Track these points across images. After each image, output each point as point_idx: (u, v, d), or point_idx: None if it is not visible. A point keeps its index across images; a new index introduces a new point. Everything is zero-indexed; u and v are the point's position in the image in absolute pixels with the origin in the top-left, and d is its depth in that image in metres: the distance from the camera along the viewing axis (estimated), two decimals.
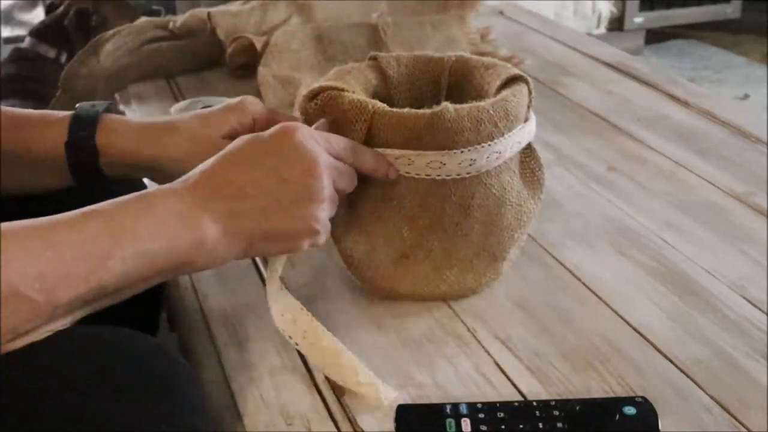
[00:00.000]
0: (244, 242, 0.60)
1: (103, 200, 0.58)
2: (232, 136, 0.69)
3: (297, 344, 0.65)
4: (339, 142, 0.65)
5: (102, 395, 0.49)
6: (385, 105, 0.68)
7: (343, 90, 0.69)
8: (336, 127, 0.68)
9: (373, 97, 0.74)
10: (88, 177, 0.72)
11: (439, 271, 0.71)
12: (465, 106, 0.66)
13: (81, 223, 0.54)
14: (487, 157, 0.68)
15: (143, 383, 0.51)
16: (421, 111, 0.66)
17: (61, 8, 2.01)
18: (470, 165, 0.67)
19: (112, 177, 0.72)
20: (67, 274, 0.51)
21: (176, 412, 0.51)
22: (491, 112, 0.67)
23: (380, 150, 0.68)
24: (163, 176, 0.70)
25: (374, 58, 0.77)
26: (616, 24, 3.13)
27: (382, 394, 0.62)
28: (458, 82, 0.76)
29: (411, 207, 0.69)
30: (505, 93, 0.69)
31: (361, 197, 0.70)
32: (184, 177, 0.60)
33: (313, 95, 0.69)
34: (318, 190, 0.61)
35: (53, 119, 0.72)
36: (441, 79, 0.77)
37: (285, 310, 0.66)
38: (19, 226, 0.52)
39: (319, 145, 0.63)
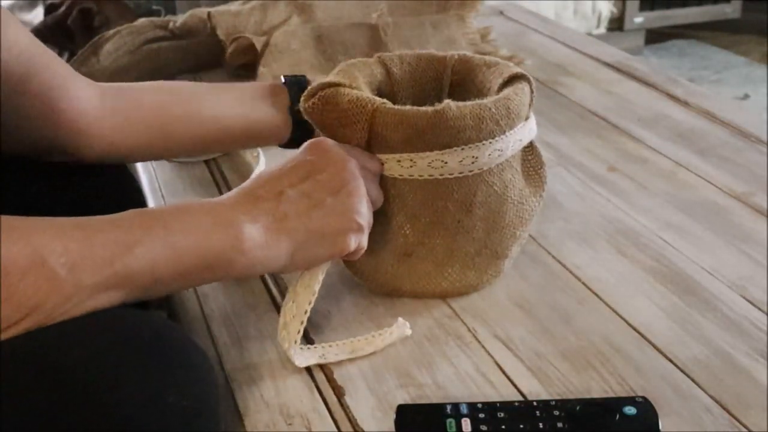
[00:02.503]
0: (289, 244, 0.61)
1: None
2: None
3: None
4: (365, 157, 0.67)
5: (120, 368, 0.49)
6: (387, 101, 0.67)
7: (341, 86, 0.69)
8: (337, 126, 0.68)
9: (377, 93, 0.74)
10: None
11: (440, 268, 0.72)
12: (467, 103, 0.67)
13: (115, 216, 0.55)
14: (489, 155, 0.68)
15: (160, 358, 0.51)
16: (423, 108, 0.66)
17: (63, 8, 2.01)
18: (472, 163, 0.67)
19: None
20: (93, 254, 0.51)
21: (191, 384, 0.52)
22: (493, 109, 0.67)
23: (382, 152, 0.68)
24: None
25: (379, 57, 0.77)
26: (616, 24, 3.13)
27: (406, 329, 0.68)
28: (461, 80, 0.76)
29: (413, 205, 0.69)
30: (507, 91, 0.70)
31: None
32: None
33: (311, 94, 0.69)
34: (354, 184, 0.63)
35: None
36: (443, 78, 0.77)
37: (315, 360, 0.66)
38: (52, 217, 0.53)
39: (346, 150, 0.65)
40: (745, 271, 0.77)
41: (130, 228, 0.54)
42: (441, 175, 0.67)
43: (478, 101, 0.67)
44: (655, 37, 3.22)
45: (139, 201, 0.83)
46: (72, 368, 0.48)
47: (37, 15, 2.71)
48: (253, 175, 0.65)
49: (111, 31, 1.32)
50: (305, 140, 0.72)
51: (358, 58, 0.76)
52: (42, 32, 2.00)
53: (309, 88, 0.70)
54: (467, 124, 0.66)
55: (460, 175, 0.68)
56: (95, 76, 1.26)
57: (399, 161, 0.67)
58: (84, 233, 0.52)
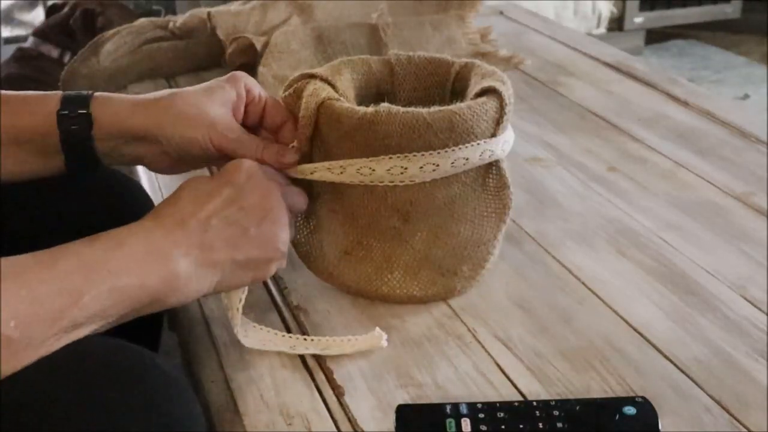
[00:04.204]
0: (217, 275, 0.61)
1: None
2: (230, 107, 0.69)
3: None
4: (271, 170, 0.67)
5: (86, 410, 0.48)
6: (339, 99, 0.68)
7: (315, 78, 0.70)
8: (296, 120, 0.69)
9: (375, 91, 0.75)
10: (80, 153, 0.68)
11: (379, 272, 0.71)
12: (404, 110, 0.66)
13: (54, 260, 0.53)
14: (421, 168, 0.66)
15: (131, 397, 0.50)
16: (359, 108, 0.67)
17: (66, 9, 2.01)
18: (401, 173, 0.67)
19: (103, 153, 0.69)
20: (42, 312, 0.50)
21: (165, 427, 0.50)
22: (428, 120, 0.65)
23: (321, 150, 0.69)
24: (155, 150, 0.68)
25: (387, 55, 0.78)
26: (616, 24, 3.13)
27: (381, 339, 0.67)
28: (462, 87, 0.75)
29: (351, 204, 0.70)
30: (461, 104, 0.68)
31: (309, 192, 0.71)
32: (147, 215, 0.60)
33: (289, 85, 0.71)
34: (279, 213, 0.63)
35: (44, 95, 0.69)
36: (446, 83, 0.77)
37: (263, 343, 0.68)
38: None
39: (266, 172, 0.65)
40: (745, 271, 0.77)
41: (73, 276, 0.53)
42: (371, 182, 0.68)
43: (413, 109, 0.66)
44: (655, 37, 3.22)
45: (145, 203, 0.82)
46: (32, 411, 0.47)
47: (38, 15, 2.72)
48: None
49: (111, 31, 1.32)
50: (76, 162, 0.67)
51: (359, 56, 0.76)
52: (45, 32, 2.01)
53: (291, 78, 0.70)
54: (394, 130, 0.65)
55: (391, 184, 0.68)
56: (96, 75, 1.26)
57: (329, 168, 0.68)
58: (29, 290, 0.50)
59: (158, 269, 0.57)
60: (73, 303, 0.52)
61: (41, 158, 0.69)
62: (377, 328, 0.68)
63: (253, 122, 0.71)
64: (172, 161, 0.70)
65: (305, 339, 0.68)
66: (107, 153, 0.69)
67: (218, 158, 0.69)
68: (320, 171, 0.69)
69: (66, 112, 0.67)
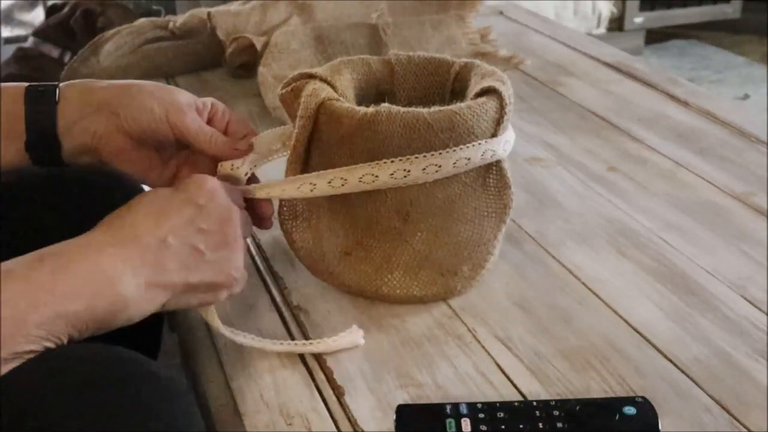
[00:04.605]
0: (166, 295, 0.59)
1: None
2: (193, 108, 0.69)
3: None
4: (232, 191, 0.66)
5: (80, 420, 0.47)
6: (339, 100, 0.68)
7: (315, 78, 0.70)
8: (297, 118, 0.69)
9: (375, 91, 0.75)
10: (41, 133, 0.67)
11: (380, 272, 0.71)
12: (404, 110, 0.65)
13: None
14: (423, 169, 0.66)
15: (129, 404, 0.49)
16: (360, 108, 0.66)
17: (66, 9, 2.01)
18: (404, 177, 0.66)
19: (63, 130, 0.67)
20: None
21: None
22: (429, 120, 0.65)
23: (321, 151, 0.69)
24: (111, 126, 0.67)
25: (387, 56, 0.78)
26: (616, 24, 3.13)
27: (360, 337, 0.68)
28: (462, 87, 0.76)
29: (351, 205, 0.70)
30: (465, 103, 0.68)
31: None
32: (99, 226, 0.58)
33: (288, 83, 0.71)
34: (236, 238, 0.62)
35: (20, 84, 0.69)
36: (446, 83, 0.77)
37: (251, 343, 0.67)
38: None
39: (227, 194, 0.63)
40: (745, 271, 0.77)
41: (18, 302, 0.51)
42: (374, 189, 0.67)
43: (413, 109, 0.66)
44: (655, 37, 3.22)
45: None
46: (31, 417, 0.46)
47: (38, 15, 2.72)
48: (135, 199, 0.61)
49: (111, 31, 1.32)
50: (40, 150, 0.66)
51: (359, 55, 0.76)
52: (45, 32, 2.01)
53: (290, 76, 0.69)
54: (394, 130, 0.65)
55: (393, 186, 0.67)
56: (96, 76, 1.26)
57: (330, 182, 0.67)
58: None
59: (106, 293, 0.55)
60: (16, 332, 0.50)
61: (7, 143, 0.67)
62: (354, 326, 0.68)
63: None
64: (124, 141, 0.68)
65: (289, 343, 0.68)
66: (67, 129, 0.67)
67: (172, 143, 0.69)
68: (320, 183, 0.67)
69: (34, 88, 0.67)
